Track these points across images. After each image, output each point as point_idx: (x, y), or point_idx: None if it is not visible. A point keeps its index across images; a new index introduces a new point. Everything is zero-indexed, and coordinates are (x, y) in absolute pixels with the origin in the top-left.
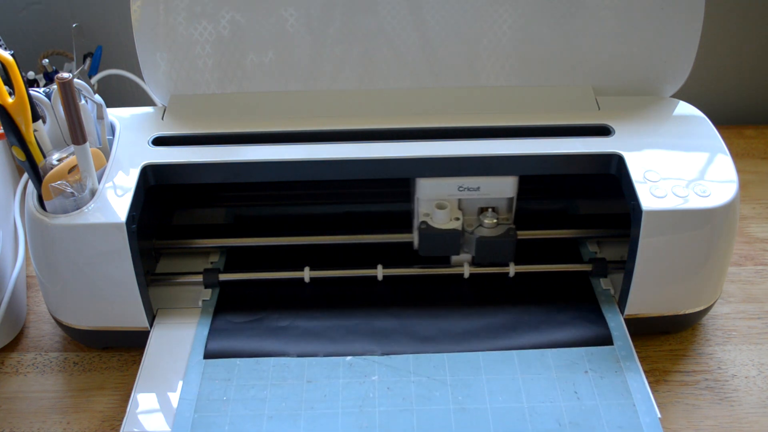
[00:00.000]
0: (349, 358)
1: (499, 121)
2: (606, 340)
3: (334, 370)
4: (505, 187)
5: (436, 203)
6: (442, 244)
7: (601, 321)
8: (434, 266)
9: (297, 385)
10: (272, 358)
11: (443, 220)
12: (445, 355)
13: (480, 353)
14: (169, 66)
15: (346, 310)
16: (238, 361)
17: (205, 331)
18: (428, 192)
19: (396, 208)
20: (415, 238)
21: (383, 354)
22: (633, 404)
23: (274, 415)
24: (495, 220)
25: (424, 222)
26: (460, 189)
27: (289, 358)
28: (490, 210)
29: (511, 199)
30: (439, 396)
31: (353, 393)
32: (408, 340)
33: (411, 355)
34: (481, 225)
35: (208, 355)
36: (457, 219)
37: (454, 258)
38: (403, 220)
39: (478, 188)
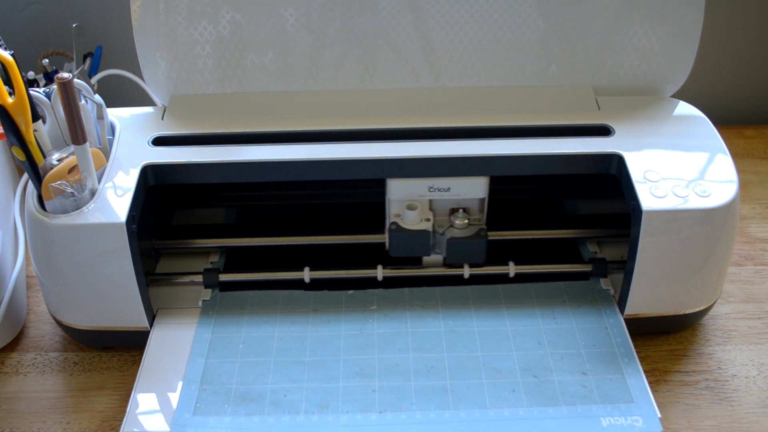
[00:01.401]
0: (350, 291)
1: (499, 121)
2: (583, 276)
3: (336, 300)
4: (476, 187)
5: (406, 204)
6: (412, 245)
7: (579, 257)
8: (434, 267)
9: (304, 312)
10: (281, 291)
11: (414, 221)
12: (437, 288)
13: (468, 287)
14: (169, 66)
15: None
16: (250, 293)
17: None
18: (398, 192)
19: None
20: (386, 239)
21: (381, 288)
22: (605, 327)
23: (284, 336)
24: (466, 221)
25: (394, 223)
26: (431, 190)
27: (297, 291)
28: (461, 211)
29: (482, 200)
30: (432, 321)
31: (354, 318)
32: (404, 286)
33: (407, 289)
34: (452, 226)
35: (223, 288)
36: (428, 220)
37: (426, 259)
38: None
39: (449, 189)
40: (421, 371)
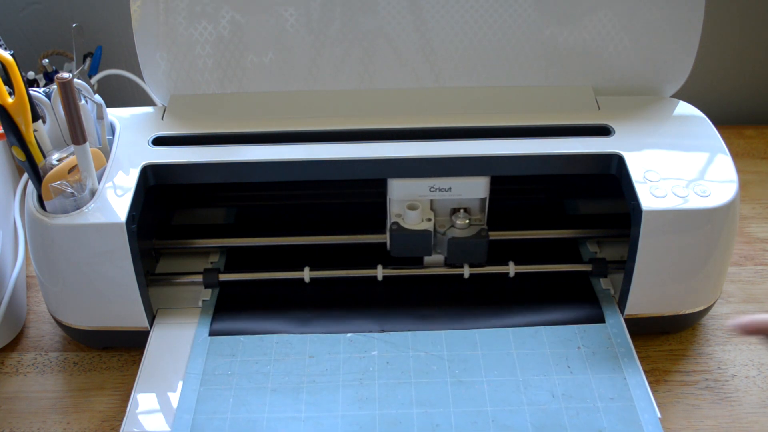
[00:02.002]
0: (349, 334)
1: (499, 121)
2: (599, 318)
3: (334, 346)
4: (477, 187)
5: (407, 204)
6: (413, 245)
7: (594, 301)
8: (434, 267)
9: (299, 360)
10: (275, 335)
11: (415, 221)
12: (442, 332)
13: (476, 330)
14: (169, 66)
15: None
16: (242, 338)
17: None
18: (400, 192)
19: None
20: (387, 239)
21: (382, 331)
22: (624, 377)
23: (277, 388)
24: (467, 221)
25: (395, 223)
26: (432, 190)
27: (291, 335)
28: (462, 211)
29: (483, 200)
30: (437, 370)
31: (353, 367)
32: (406, 318)
33: (409, 332)
34: (453, 226)
35: (213, 333)
36: (429, 220)
37: (427, 259)
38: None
39: (450, 189)
40: (426, 429)
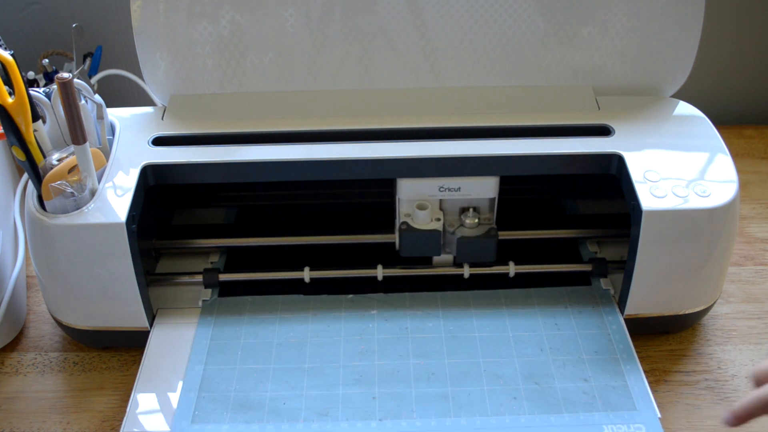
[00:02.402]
0: (350, 296)
1: (499, 121)
2: (583, 276)
3: (336, 305)
4: (486, 187)
5: (416, 204)
6: (423, 245)
7: (583, 270)
8: (434, 267)
9: (303, 317)
10: (280, 296)
11: (424, 221)
12: (438, 293)
13: (470, 292)
14: (169, 66)
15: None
16: (249, 298)
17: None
18: (409, 192)
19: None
20: (396, 239)
21: (382, 292)
22: (608, 334)
23: (283, 342)
24: (476, 220)
25: (404, 222)
26: (441, 189)
27: (296, 296)
28: (471, 210)
29: (492, 200)
30: (432, 326)
31: (354, 323)
32: (405, 287)
33: (407, 293)
34: (462, 225)
35: (222, 294)
36: (438, 219)
37: (436, 258)
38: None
39: (459, 189)
40: (422, 378)
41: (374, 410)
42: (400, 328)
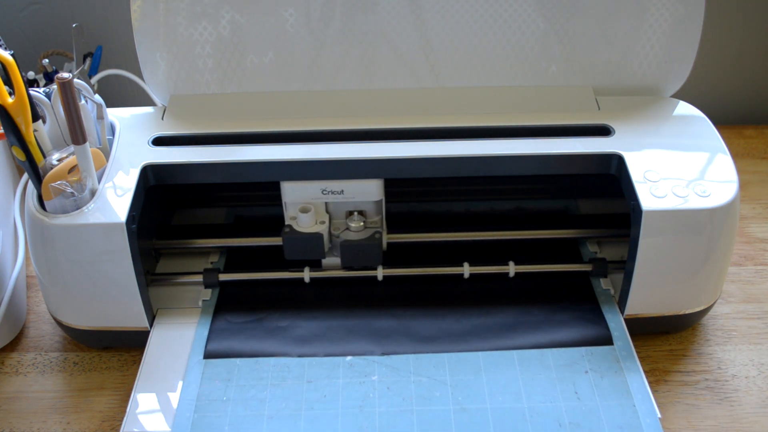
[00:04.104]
0: (349, 358)
1: (499, 121)
2: (606, 340)
3: (333, 370)
4: (370, 190)
5: (300, 207)
6: (306, 248)
7: (601, 321)
8: (434, 266)
9: (297, 385)
10: (272, 358)
11: (308, 224)
12: (445, 355)
13: (480, 353)
14: (169, 66)
15: (345, 310)
16: (238, 361)
17: (205, 331)
18: (293, 195)
19: (395, 208)
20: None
21: (383, 354)
22: (633, 404)
23: (274, 415)
24: (362, 224)
25: (288, 226)
26: (324, 192)
27: (289, 359)
28: (356, 213)
29: (379, 202)
30: (440, 396)
31: (353, 393)
32: (408, 340)
33: (411, 355)
34: (347, 229)
35: (208, 356)
36: (323, 222)
37: (325, 261)
38: (403, 220)
39: (342, 192)
40: None
41: None
42: (404, 398)
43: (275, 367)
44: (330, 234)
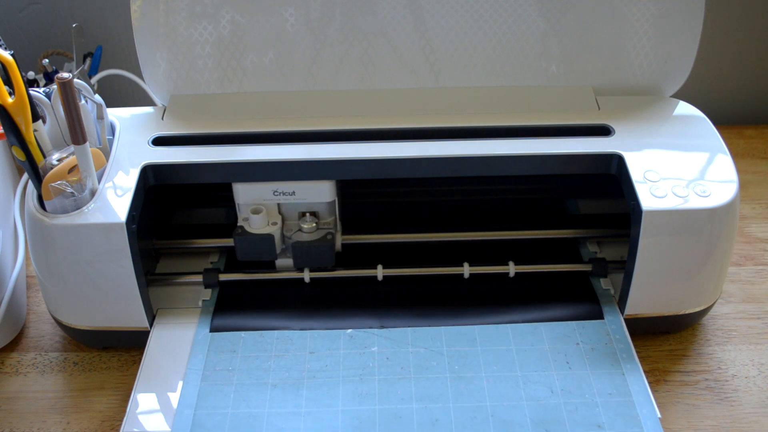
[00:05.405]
0: (349, 331)
1: (499, 121)
2: (597, 314)
3: (334, 342)
4: (322, 191)
5: (251, 208)
6: (257, 249)
7: (593, 298)
8: (434, 266)
9: (299, 356)
10: (275, 332)
11: (259, 225)
12: (442, 328)
13: (476, 327)
14: (169, 66)
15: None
16: (242, 334)
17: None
18: (245, 197)
19: (394, 208)
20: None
21: (382, 327)
22: (622, 373)
23: (278, 384)
24: (314, 225)
25: (240, 227)
26: (276, 194)
27: (291, 332)
28: (308, 214)
29: (332, 203)
30: (437, 365)
31: (353, 363)
32: (406, 315)
33: (409, 329)
34: (300, 230)
35: (214, 329)
36: (275, 224)
37: (278, 262)
38: (403, 220)
39: (294, 193)
40: (426, 424)
41: None
42: (402, 367)
43: (279, 339)
44: (282, 235)
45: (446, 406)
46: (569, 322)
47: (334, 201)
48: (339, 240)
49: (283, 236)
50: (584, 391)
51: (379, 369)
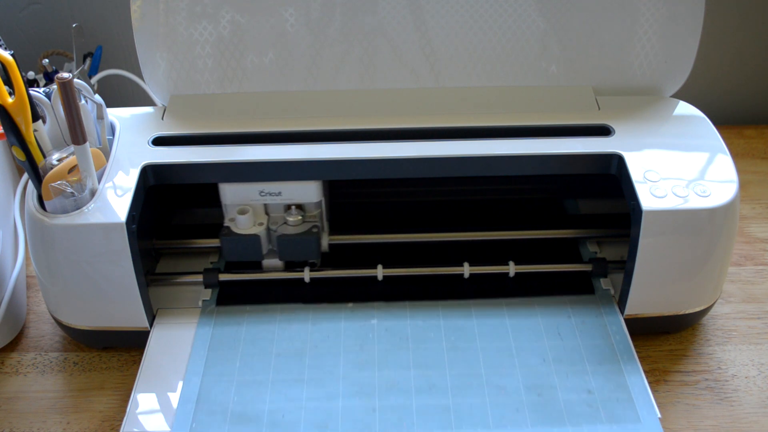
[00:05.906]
0: (350, 304)
1: (499, 121)
2: (588, 290)
3: (336, 314)
4: (308, 191)
5: (238, 208)
6: (244, 250)
7: (584, 274)
8: (434, 266)
9: (302, 327)
10: (279, 305)
11: (246, 226)
12: (439, 302)
13: (471, 301)
14: (169, 66)
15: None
16: (248, 307)
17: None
18: (232, 197)
19: (394, 209)
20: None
21: (382, 301)
22: (612, 344)
23: (282, 353)
24: (300, 218)
25: (226, 227)
26: (262, 194)
27: (295, 304)
28: (293, 207)
29: (319, 202)
30: (433, 336)
31: (354, 333)
32: (404, 287)
33: (408, 302)
34: (285, 223)
35: (220, 303)
36: (261, 224)
37: (265, 262)
38: (402, 220)
39: (280, 193)
40: (423, 389)
41: (374, 423)
42: (401, 337)
43: (282, 312)
44: (269, 233)
45: (442, 372)
46: (561, 296)
47: (321, 201)
48: (326, 240)
49: (269, 231)
50: (575, 359)
51: (378, 339)
